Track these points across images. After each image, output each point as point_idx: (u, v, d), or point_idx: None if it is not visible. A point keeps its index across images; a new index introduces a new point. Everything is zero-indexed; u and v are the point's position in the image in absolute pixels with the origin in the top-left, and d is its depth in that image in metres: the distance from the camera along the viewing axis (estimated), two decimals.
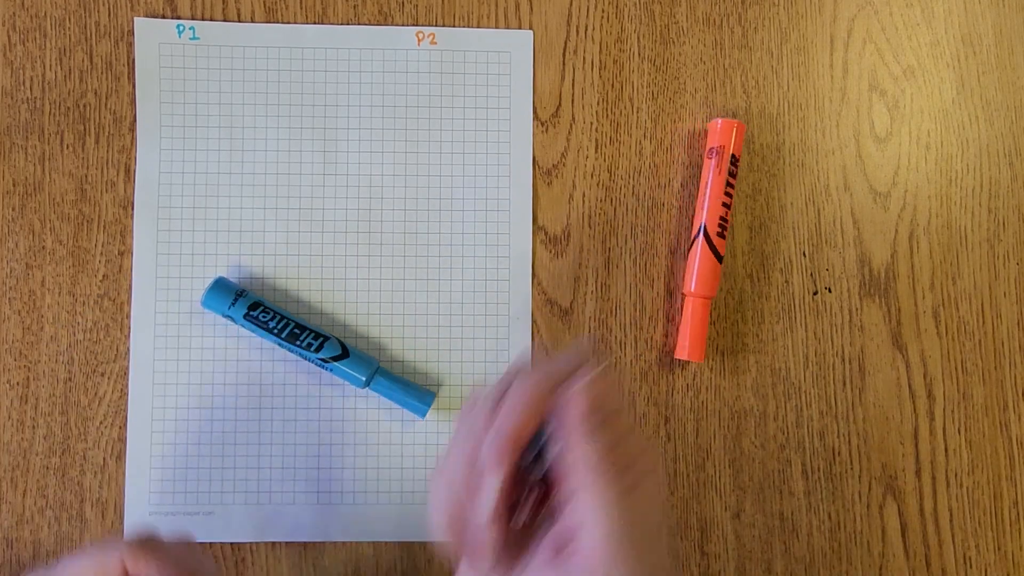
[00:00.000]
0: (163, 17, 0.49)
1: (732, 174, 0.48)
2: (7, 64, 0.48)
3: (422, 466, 0.48)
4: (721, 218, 0.48)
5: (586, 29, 0.51)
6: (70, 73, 0.49)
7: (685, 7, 0.51)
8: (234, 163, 0.49)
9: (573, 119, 0.50)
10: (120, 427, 0.47)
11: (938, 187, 0.51)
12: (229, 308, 0.46)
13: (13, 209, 0.48)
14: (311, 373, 0.48)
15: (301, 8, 0.50)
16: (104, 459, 0.47)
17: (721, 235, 0.48)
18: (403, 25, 0.50)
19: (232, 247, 0.48)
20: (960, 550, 0.49)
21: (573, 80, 0.50)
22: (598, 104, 0.50)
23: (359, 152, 0.49)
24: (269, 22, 0.49)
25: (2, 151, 0.48)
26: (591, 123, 0.50)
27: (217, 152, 0.49)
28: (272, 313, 0.46)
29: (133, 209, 0.48)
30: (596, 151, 0.50)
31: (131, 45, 0.49)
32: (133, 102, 0.49)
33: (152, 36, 0.49)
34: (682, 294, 0.49)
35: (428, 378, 0.48)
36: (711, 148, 0.49)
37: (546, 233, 0.50)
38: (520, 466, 0.31)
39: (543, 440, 0.31)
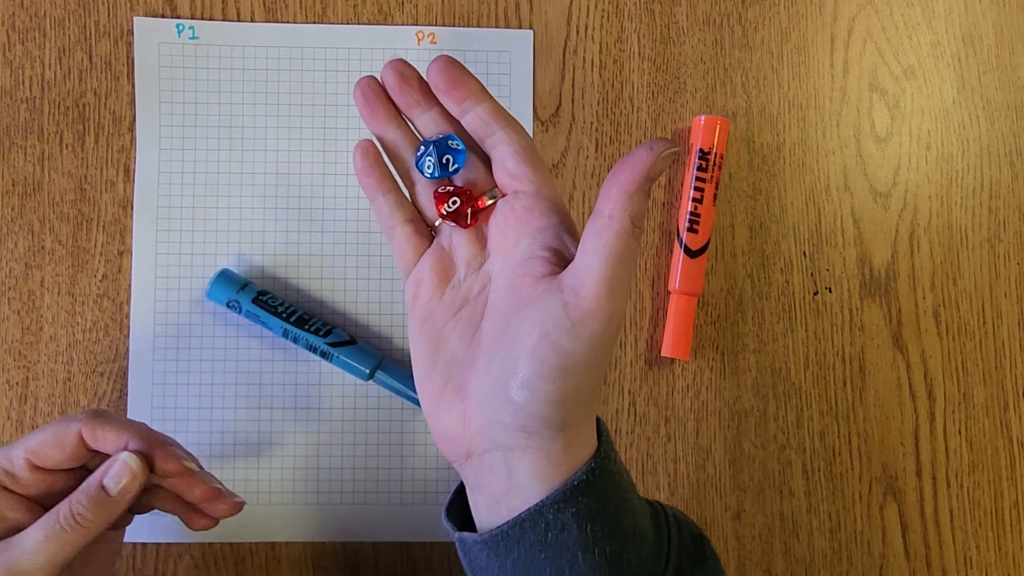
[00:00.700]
0: (163, 16, 0.49)
1: (701, 168, 0.48)
2: (6, 64, 0.48)
3: (422, 466, 0.48)
4: (691, 213, 0.48)
5: (586, 29, 0.51)
6: (69, 73, 0.48)
7: (685, 7, 0.51)
8: (234, 162, 0.49)
9: (573, 119, 0.50)
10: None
11: (938, 187, 0.51)
12: (237, 293, 0.46)
13: (12, 209, 0.48)
14: (311, 372, 0.48)
15: (301, 8, 0.50)
16: None
17: (692, 230, 0.48)
18: (403, 25, 0.50)
19: (232, 246, 0.48)
20: (960, 550, 0.49)
21: (573, 80, 0.50)
22: (598, 104, 0.50)
23: None
24: (269, 22, 0.49)
25: (2, 151, 0.48)
26: (591, 123, 0.50)
27: (217, 151, 0.49)
28: (280, 300, 0.47)
29: (132, 208, 0.48)
30: (596, 151, 0.50)
31: (130, 45, 0.49)
32: (132, 102, 0.49)
33: (152, 35, 0.49)
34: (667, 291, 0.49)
35: None
36: (690, 144, 0.49)
37: None
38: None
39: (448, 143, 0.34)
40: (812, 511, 0.49)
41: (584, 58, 0.51)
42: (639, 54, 0.51)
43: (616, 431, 0.49)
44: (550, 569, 0.30)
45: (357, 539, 0.47)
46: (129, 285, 0.48)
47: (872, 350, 0.50)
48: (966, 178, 0.52)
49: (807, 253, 0.50)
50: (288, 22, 0.49)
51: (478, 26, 0.50)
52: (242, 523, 0.47)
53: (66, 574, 0.35)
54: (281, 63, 0.49)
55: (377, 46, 0.50)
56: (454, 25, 0.50)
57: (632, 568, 0.31)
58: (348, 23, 0.50)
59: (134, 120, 0.49)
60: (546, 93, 0.50)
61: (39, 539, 0.34)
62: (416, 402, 0.47)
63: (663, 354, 0.48)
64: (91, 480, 0.35)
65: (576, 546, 0.30)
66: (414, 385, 0.47)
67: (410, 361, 0.49)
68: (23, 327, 0.47)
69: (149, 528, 0.46)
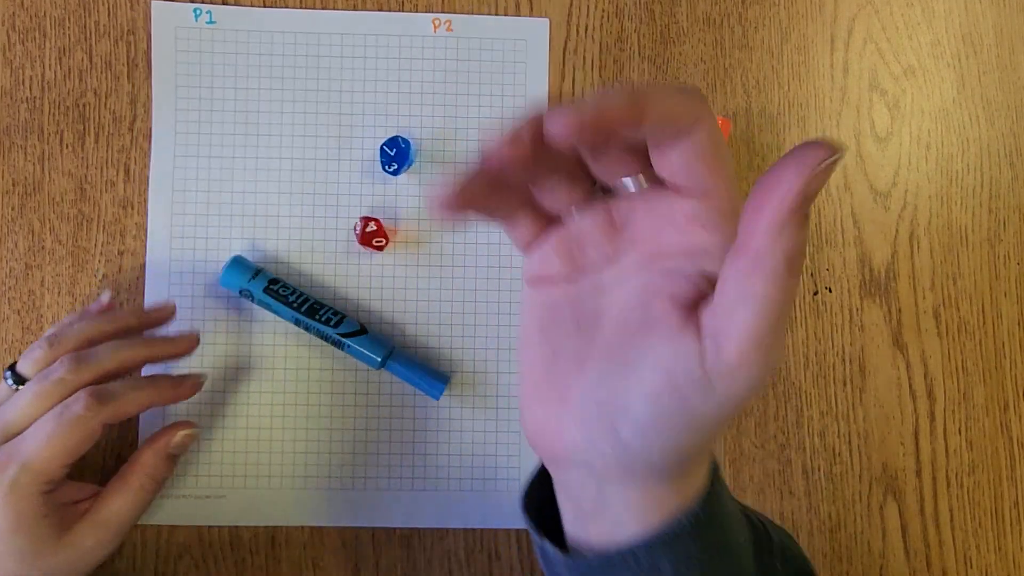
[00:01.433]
0: (180, 1, 0.49)
1: None
2: (7, 64, 0.48)
3: (434, 452, 0.48)
4: None
5: (586, 29, 0.51)
6: (70, 73, 0.48)
7: (685, 7, 0.51)
8: (249, 147, 0.49)
9: None
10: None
11: (938, 187, 0.51)
12: (249, 282, 0.46)
13: (13, 209, 0.48)
14: (324, 358, 0.48)
15: None
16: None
17: None
18: (420, 11, 0.50)
19: (247, 231, 0.48)
20: (960, 550, 0.49)
21: (573, 80, 0.50)
22: None
23: (374, 138, 0.49)
24: (286, 7, 0.49)
25: (2, 151, 0.48)
26: None
27: (232, 136, 0.49)
28: (291, 288, 0.47)
29: (148, 192, 0.48)
30: None
31: (131, 44, 0.49)
32: (133, 102, 0.49)
33: (169, 19, 0.49)
34: None
35: (441, 365, 0.48)
36: None
37: None
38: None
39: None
40: (812, 511, 0.49)
41: (584, 58, 0.51)
42: (639, 54, 0.51)
43: None
44: None
45: (366, 525, 0.47)
46: (129, 284, 0.48)
47: (872, 350, 0.50)
48: (966, 178, 0.52)
49: (807, 253, 0.50)
50: (305, 8, 0.49)
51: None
52: (254, 507, 0.47)
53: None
54: (297, 49, 0.49)
55: (393, 32, 0.50)
56: (468, 13, 0.50)
57: None
58: (365, 9, 0.50)
59: (134, 120, 0.48)
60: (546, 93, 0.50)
61: (125, 505, 0.40)
62: (427, 389, 0.47)
63: None
64: (158, 446, 0.42)
65: None
66: (426, 372, 0.47)
67: (420, 354, 0.49)
68: (23, 327, 0.47)
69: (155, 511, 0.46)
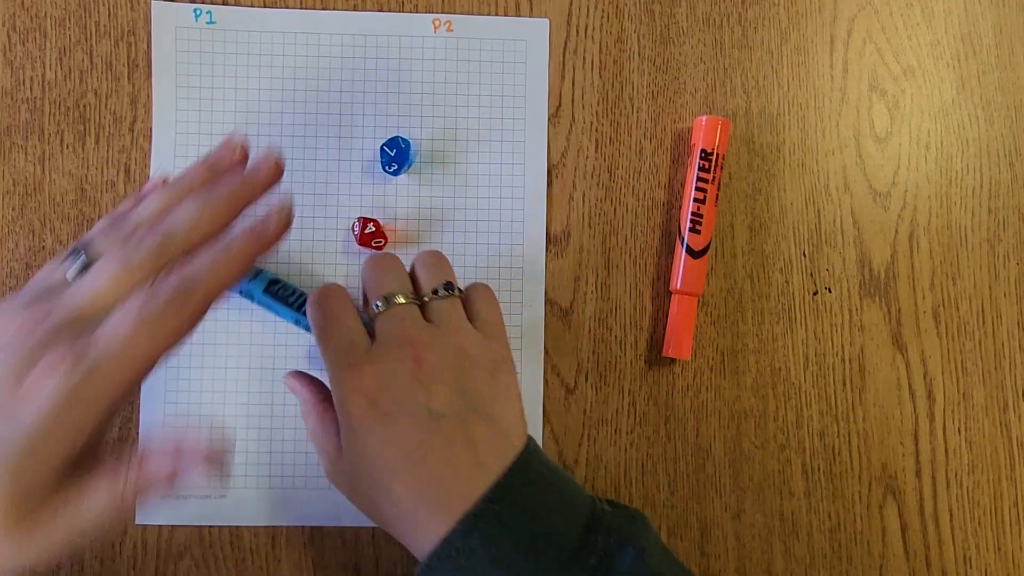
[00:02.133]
0: (180, 1, 0.49)
1: (704, 168, 0.48)
2: (7, 64, 0.48)
3: None
4: (693, 213, 0.48)
5: (586, 29, 0.51)
6: (70, 73, 0.49)
7: (685, 7, 0.51)
8: (248, 147, 0.49)
9: (573, 119, 0.50)
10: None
11: (938, 187, 0.51)
12: (249, 282, 0.46)
13: (13, 209, 0.48)
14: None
15: None
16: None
17: (694, 230, 0.48)
18: (420, 12, 0.50)
19: None
20: (960, 550, 0.49)
21: (573, 80, 0.50)
22: (598, 104, 0.50)
23: (374, 138, 0.49)
24: (286, 7, 0.49)
25: (2, 151, 0.48)
26: (591, 123, 0.50)
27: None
28: (291, 288, 0.47)
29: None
30: (596, 151, 0.50)
31: (131, 45, 0.49)
32: (133, 102, 0.49)
33: (169, 19, 0.49)
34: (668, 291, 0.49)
35: None
36: (692, 145, 0.49)
37: (547, 233, 0.50)
38: None
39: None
40: (812, 511, 0.49)
41: (584, 58, 0.51)
42: (639, 54, 0.51)
43: (616, 431, 0.49)
44: None
45: (366, 524, 0.47)
46: None
47: (872, 350, 0.50)
48: (966, 178, 0.52)
49: (807, 253, 0.50)
50: (305, 8, 0.49)
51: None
52: (254, 507, 0.47)
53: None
54: (297, 49, 0.49)
55: (394, 33, 0.50)
56: (468, 13, 0.50)
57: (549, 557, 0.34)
58: (366, 10, 0.50)
59: (135, 120, 0.49)
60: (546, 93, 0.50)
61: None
62: None
63: (664, 354, 0.48)
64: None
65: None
66: None
67: None
68: None
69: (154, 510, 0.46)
